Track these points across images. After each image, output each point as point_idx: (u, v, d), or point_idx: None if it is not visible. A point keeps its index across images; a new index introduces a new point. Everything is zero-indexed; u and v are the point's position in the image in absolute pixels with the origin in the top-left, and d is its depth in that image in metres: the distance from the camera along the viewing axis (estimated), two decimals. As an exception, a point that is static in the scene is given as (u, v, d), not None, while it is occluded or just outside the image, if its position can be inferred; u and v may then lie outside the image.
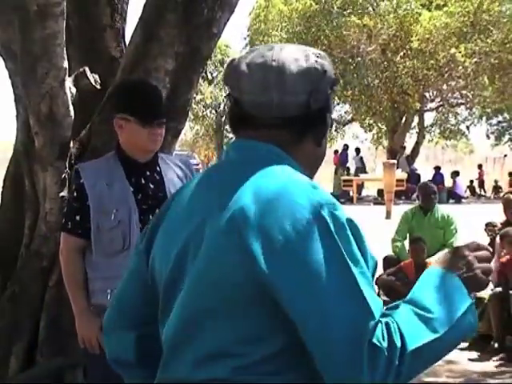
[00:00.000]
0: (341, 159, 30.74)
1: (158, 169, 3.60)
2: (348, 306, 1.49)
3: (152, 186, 3.54)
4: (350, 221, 1.59)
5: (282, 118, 1.68)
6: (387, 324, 1.51)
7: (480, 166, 33.34)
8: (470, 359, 6.85)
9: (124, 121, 3.44)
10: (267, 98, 1.66)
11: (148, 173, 3.56)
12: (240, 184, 1.61)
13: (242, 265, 1.55)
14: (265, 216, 1.55)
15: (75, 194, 3.51)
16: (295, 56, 1.69)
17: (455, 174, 28.22)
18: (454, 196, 26.49)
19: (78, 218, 3.48)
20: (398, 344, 1.49)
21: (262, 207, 1.56)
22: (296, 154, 1.71)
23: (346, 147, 31.55)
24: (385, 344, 1.48)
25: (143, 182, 3.53)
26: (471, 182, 31.52)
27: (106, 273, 3.42)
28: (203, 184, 1.74)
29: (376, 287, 8.21)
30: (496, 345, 6.94)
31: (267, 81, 1.67)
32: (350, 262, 1.52)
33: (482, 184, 32.14)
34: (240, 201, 1.58)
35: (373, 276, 1.62)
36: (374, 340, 1.48)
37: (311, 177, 1.74)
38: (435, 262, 1.69)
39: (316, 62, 1.70)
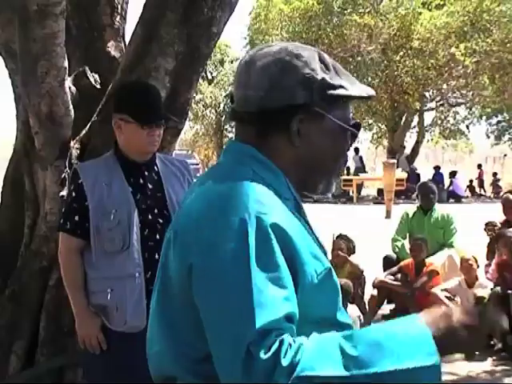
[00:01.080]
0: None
1: (156, 169, 3.61)
2: (231, 315, 1.48)
3: (151, 186, 3.55)
4: (276, 228, 1.54)
5: (248, 113, 1.71)
6: (291, 343, 1.46)
7: (480, 166, 33.36)
8: (469, 358, 6.85)
9: (123, 122, 3.45)
10: (237, 92, 1.74)
11: (146, 173, 3.57)
12: (196, 192, 1.70)
13: (176, 276, 1.63)
14: (187, 232, 1.60)
15: (74, 194, 3.52)
16: (270, 52, 1.72)
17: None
18: (452, 195, 26.51)
19: (76, 218, 3.48)
20: (284, 363, 1.43)
21: (190, 222, 1.61)
22: (271, 155, 1.71)
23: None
24: (264, 356, 1.43)
25: (142, 182, 3.53)
26: (471, 181, 31.55)
27: (106, 273, 3.42)
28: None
29: (376, 291, 8.22)
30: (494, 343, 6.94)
31: (239, 76, 1.75)
32: (254, 275, 1.48)
33: (481, 183, 32.16)
34: (181, 212, 1.71)
35: (325, 281, 1.60)
36: (252, 348, 1.44)
37: (305, 180, 1.73)
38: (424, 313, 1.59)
39: (282, 59, 1.70)
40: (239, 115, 1.74)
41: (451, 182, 27.66)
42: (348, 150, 1.82)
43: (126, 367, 3.35)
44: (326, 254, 1.74)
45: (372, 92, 1.80)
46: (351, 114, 1.80)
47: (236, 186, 1.60)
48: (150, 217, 3.47)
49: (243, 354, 1.44)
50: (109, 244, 3.42)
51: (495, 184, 30.80)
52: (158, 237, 3.43)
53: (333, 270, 1.65)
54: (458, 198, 26.40)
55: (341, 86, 1.71)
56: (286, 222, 1.58)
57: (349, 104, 1.78)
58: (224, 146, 1.82)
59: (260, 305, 1.46)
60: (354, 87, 1.74)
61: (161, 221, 3.48)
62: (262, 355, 1.43)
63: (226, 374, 1.49)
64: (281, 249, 1.52)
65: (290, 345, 1.45)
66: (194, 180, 3.66)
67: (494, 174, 31.92)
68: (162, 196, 3.52)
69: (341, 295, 1.69)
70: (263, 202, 1.57)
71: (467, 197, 28.91)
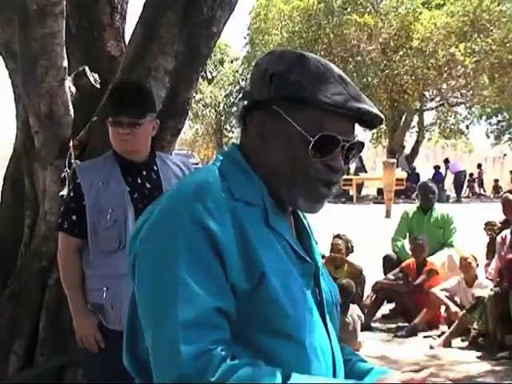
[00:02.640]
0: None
1: (155, 168, 3.62)
2: (159, 310, 1.51)
3: (149, 185, 3.56)
4: (207, 230, 1.51)
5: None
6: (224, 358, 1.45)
7: (480, 166, 33.39)
8: (469, 358, 6.85)
9: (109, 124, 3.51)
10: None
11: (145, 172, 3.58)
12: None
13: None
14: (139, 236, 1.64)
15: (72, 193, 3.54)
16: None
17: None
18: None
19: (74, 217, 3.50)
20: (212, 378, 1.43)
21: (141, 227, 1.65)
22: (246, 155, 1.66)
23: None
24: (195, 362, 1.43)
25: (139, 181, 3.54)
26: (471, 175, 31.63)
27: (102, 271, 3.45)
28: None
29: (373, 293, 8.23)
30: (492, 343, 6.95)
31: None
32: (180, 272, 1.48)
33: (481, 183, 32.20)
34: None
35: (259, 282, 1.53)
36: (181, 348, 1.44)
37: (271, 183, 1.62)
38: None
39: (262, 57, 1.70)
40: None
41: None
42: (309, 161, 1.60)
43: (123, 365, 3.37)
44: (314, 264, 1.68)
45: (365, 110, 1.60)
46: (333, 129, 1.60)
47: (187, 187, 1.59)
48: None
49: (171, 350, 1.45)
50: (105, 243, 3.44)
51: (497, 187, 30.85)
52: None
53: (268, 275, 1.54)
54: (458, 179, 26.56)
55: (303, 88, 1.57)
56: (222, 226, 1.51)
57: (324, 113, 1.58)
58: (224, 146, 1.81)
59: (185, 299, 1.46)
60: (325, 94, 1.57)
61: None
62: (190, 359, 1.43)
63: (156, 368, 1.51)
64: (211, 250, 1.50)
65: (224, 360, 1.44)
66: None
67: (496, 181, 31.95)
68: (160, 195, 3.51)
69: (310, 320, 1.60)
70: (202, 204, 1.52)
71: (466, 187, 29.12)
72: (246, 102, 1.67)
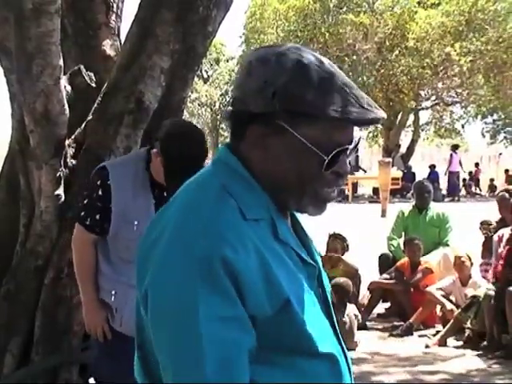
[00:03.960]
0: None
1: None
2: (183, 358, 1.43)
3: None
4: (225, 261, 1.43)
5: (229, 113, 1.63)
6: None
7: (477, 165, 33.47)
8: (464, 357, 6.86)
9: (163, 163, 3.38)
10: None
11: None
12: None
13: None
14: (151, 256, 1.52)
15: (100, 192, 3.50)
16: (254, 52, 1.63)
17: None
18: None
19: (98, 217, 3.50)
20: None
21: (151, 247, 1.53)
22: (245, 164, 1.58)
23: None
24: None
25: (165, 195, 3.53)
26: (470, 173, 31.72)
27: (116, 274, 3.50)
28: None
29: (368, 293, 8.25)
30: (488, 342, 6.95)
31: None
32: (198, 315, 1.41)
33: (477, 182, 32.26)
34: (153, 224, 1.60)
35: (284, 313, 1.48)
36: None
37: (275, 192, 1.57)
38: None
39: (253, 60, 1.58)
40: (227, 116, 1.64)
41: (451, 158, 27.90)
42: (322, 174, 1.55)
43: (123, 363, 3.44)
44: (316, 265, 1.65)
45: (373, 118, 1.55)
46: (344, 139, 1.56)
47: (197, 210, 1.49)
48: None
49: None
50: (125, 252, 3.43)
51: (492, 186, 30.92)
52: None
53: (293, 303, 1.50)
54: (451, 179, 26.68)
55: (308, 103, 1.50)
56: (240, 253, 1.44)
57: (334, 125, 1.53)
58: (220, 145, 1.76)
59: (208, 342, 1.40)
60: (333, 107, 1.50)
61: None
62: None
63: None
64: (229, 280, 1.43)
65: None
66: None
67: (491, 180, 32.03)
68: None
69: (323, 327, 1.58)
70: (226, 239, 1.44)
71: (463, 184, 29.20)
72: (237, 109, 1.57)
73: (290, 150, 1.53)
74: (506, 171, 31.25)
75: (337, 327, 1.67)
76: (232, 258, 1.42)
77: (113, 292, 3.49)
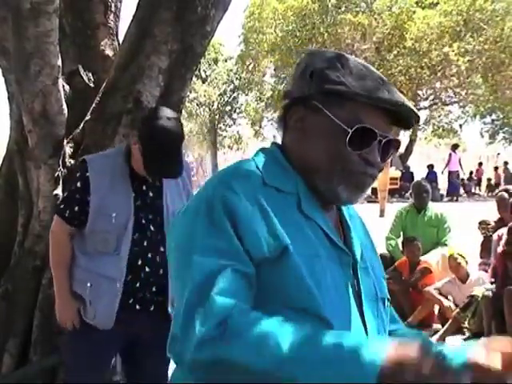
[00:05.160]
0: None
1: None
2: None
3: (151, 193, 3.58)
4: (229, 206, 1.57)
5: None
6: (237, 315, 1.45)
7: (480, 164, 33.60)
8: None
9: (140, 149, 3.43)
10: None
11: (150, 179, 3.59)
12: None
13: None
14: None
15: (79, 184, 3.53)
16: None
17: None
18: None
19: (76, 209, 3.52)
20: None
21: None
22: (285, 151, 1.75)
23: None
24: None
25: (144, 188, 3.56)
26: (471, 173, 31.79)
27: (91, 266, 3.50)
28: None
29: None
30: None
31: None
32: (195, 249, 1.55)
33: (479, 182, 32.38)
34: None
35: (280, 256, 1.55)
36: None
37: (312, 178, 1.68)
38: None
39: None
40: None
41: (450, 157, 27.91)
42: (348, 152, 1.64)
43: (93, 356, 3.52)
44: (351, 255, 1.70)
45: (394, 99, 1.65)
46: (367, 119, 1.64)
47: (222, 171, 1.67)
48: (143, 221, 3.51)
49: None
50: (101, 244, 3.46)
51: (490, 186, 31.00)
52: (145, 244, 3.48)
53: (291, 250, 1.56)
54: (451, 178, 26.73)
55: (340, 83, 1.63)
56: (242, 199, 1.58)
57: (359, 106, 1.63)
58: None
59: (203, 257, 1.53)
60: (361, 87, 1.62)
61: (152, 228, 3.52)
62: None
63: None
64: (227, 218, 1.56)
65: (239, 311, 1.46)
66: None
67: (489, 180, 32.12)
68: (160, 205, 3.55)
69: (331, 292, 1.58)
70: (230, 186, 1.60)
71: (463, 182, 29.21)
72: (285, 101, 1.73)
73: (322, 129, 1.66)
74: (505, 163, 31.43)
75: (369, 319, 1.68)
76: (231, 199, 1.57)
77: (88, 284, 3.48)
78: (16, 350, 4.65)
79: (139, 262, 3.44)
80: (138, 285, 3.46)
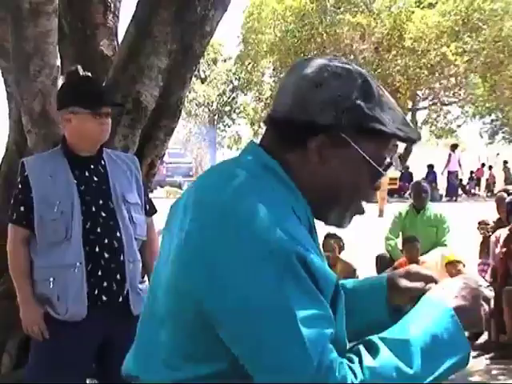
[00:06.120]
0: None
1: (102, 162, 3.68)
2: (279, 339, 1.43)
3: (96, 178, 3.62)
4: (306, 260, 1.47)
5: (276, 120, 1.65)
6: (349, 364, 1.45)
7: (483, 165, 33.62)
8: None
9: (72, 114, 3.52)
10: (275, 97, 1.72)
11: (92, 166, 3.64)
12: (210, 199, 1.56)
13: (185, 287, 1.52)
14: (211, 244, 1.49)
15: (20, 186, 3.59)
16: (312, 63, 1.67)
17: (454, 146, 28.60)
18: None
19: (22, 208, 3.56)
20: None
21: (212, 234, 1.50)
22: (289, 170, 1.62)
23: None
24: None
25: (87, 174, 3.61)
26: (471, 173, 31.81)
27: (48, 262, 3.51)
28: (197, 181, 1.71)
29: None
30: (486, 342, 6.96)
31: (281, 81, 1.74)
32: (292, 306, 1.43)
33: (478, 182, 32.42)
34: (197, 219, 1.55)
35: (334, 298, 1.54)
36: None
37: (315, 205, 1.63)
38: (438, 289, 1.64)
39: (319, 72, 1.62)
40: (269, 120, 1.67)
41: (449, 157, 27.95)
42: (372, 188, 1.68)
43: (69, 355, 3.47)
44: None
45: (418, 137, 1.67)
46: (387, 154, 1.65)
47: (261, 209, 1.49)
48: (93, 209, 3.55)
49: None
50: (52, 234, 3.49)
51: (489, 186, 31.04)
52: (99, 230, 3.51)
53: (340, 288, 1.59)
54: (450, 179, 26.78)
55: (376, 119, 1.58)
56: (310, 248, 1.51)
57: (386, 142, 1.64)
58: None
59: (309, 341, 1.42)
60: (394, 125, 1.61)
61: (103, 214, 3.55)
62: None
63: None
64: (310, 279, 1.47)
65: (349, 366, 1.45)
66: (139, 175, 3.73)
67: (487, 180, 32.18)
68: (107, 189, 3.58)
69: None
70: (291, 232, 1.48)
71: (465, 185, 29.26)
72: (297, 118, 1.59)
73: (348, 163, 1.60)
74: (505, 162, 31.47)
75: None
76: (310, 256, 1.48)
77: (50, 279, 3.49)
78: (15, 350, 4.64)
79: (97, 249, 3.46)
80: (100, 273, 3.47)
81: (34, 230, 3.53)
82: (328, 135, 1.58)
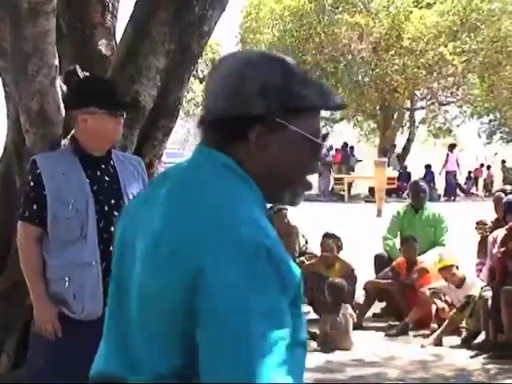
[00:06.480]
0: (344, 157, 30.33)
1: (111, 163, 3.70)
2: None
3: (107, 178, 3.65)
4: (272, 252, 1.50)
5: (211, 121, 1.68)
6: None
7: (482, 165, 33.62)
8: (460, 357, 6.87)
9: (88, 115, 3.54)
10: (205, 100, 1.77)
11: (103, 166, 3.67)
12: (178, 200, 1.60)
13: (163, 290, 1.54)
14: (184, 249, 1.51)
15: (32, 183, 3.58)
16: (232, 60, 1.69)
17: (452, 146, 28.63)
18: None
19: (34, 207, 3.55)
20: None
21: (185, 239, 1.53)
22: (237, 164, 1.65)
23: (345, 145, 31.24)
24: None
25: (99, 174, 3.64)
26: (469, 172, 31.84)
27: (63, 261, 3.51)
28: (154, 187, 1.73)
29: (364, 293, 8.24)
30: (483, 342, 6.96)
31: (206, 84, 1.78)
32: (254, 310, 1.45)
33: (476, 181, 32.42)
34: (168, 218, 1.58)
35: (297, 295, 1.56)
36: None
37: (269, 191, 1.66)
38: None
39: (241, 67, 1.65)
40: (204, 122, 1.69)
41: (447, 157, 27.97)
42: (316, 161, 1.72)
43: (83, 355, 3.42)
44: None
45: (343, 102, 1.78)
46: (321, 125, 1.71)
47: (227, 205, 1.55)
48: (106, 208, 3.56)
49: None
50: (66, 233, 3.49)
51: (487, 186, 31.08)
52: (112, 229, 3.50)
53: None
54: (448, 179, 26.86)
55: (303, 97, 1.63)
56: (275, 239, 1.54)
57: (317, 115, 1.70)
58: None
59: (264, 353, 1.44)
60: (322, 98, 1.66)
61: (116, 213, 3.55)
62: None
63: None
64: (277, 273, 1.50)
65: None
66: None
67: (485, 180, 32.22)
68: (118, 188, 3.61)
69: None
70: (259, 225, 1.53)
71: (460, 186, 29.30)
72: (233, 114, 1.62)
73: (289, 144, 1.65)
74: (503, 162, 31.54)
75: None
76: (274, 249, 1.51)
77: (66, 278, 3.48)
78: (14, 350, 4.65)
79: (111, 248, 3.41)
80: None
81: (47, 228, 3.52)
82: (264, 123, 1.61)
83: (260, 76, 1.62)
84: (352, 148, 31.59)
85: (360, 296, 8.30)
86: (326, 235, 8.38)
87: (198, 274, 1.48)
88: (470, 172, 32.26)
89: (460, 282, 7.56)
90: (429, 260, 8.32)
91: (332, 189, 28.13)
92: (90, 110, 3.54)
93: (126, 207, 1.86)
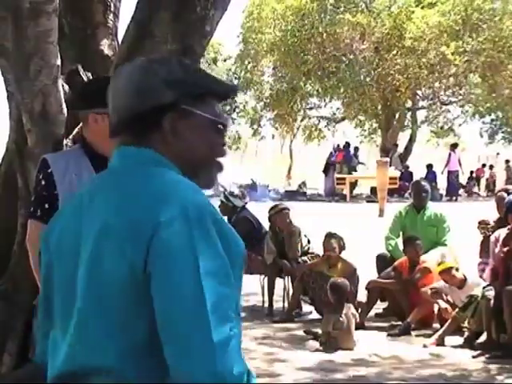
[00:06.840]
0: (346, 157, 30.26)
1: None
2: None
3: None
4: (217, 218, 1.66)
5: (123, 122, 1.81)
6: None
7: (484, 165, 33.58)
8: (462, 356, 6.86)
9: (100, 115, 3.49)
10: (110, 107, 1.87)
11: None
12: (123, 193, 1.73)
13: (119, 269, 1.63)
14: (137, 229, 1.62)
15: (43, 182, 3.57)
16: (132, 64, 1.87)
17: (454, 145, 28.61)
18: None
19: (46, 205, 3.54)
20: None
21: (132, 221, 1.64)
22: (158, 148, 1.78)
23: (347, 145, 31.18)
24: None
25: None
26: (471, 172, 31.83)
27: None
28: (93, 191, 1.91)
29: (366, 292, 8.23)
30: (486, 342, 6.95)
31: (109, 92, 1.89)
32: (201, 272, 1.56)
33: (478, 181, 32.40)
34: (117, 206, 1.70)
35: (238, 265, 1.67)
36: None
37: (189, 173, 1.78)
38: None
39: (142, 65, 1.83)
40: (116, 127, 1.82)
41: (449, 157, 27.95)
42: (223, 143, 1.87)
43: None
44: None
45: (235, 86, 2.03)
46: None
47: (171, 181, 1.70)
48: None
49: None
50: None
51: (489, 185, 31.06)
52: None
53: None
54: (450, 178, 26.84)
55: (204, 84, 1.82)
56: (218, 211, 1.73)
57: (217, 100, 1.86)
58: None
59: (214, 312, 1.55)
60: (218, 84, 1.86)
61: None
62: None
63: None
64: (224, 237, 1.65)
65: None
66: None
67: (487, 180, 32.21)
68: None
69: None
70: (204, 194, 1.71)
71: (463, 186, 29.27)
72: (146, 107, 1.75)
73: (198, 128, 1.80)
74: (507, 161, 31.52)
75: None
76: (218, 214, 1.68)
77: None
78: (16, 350, 4.64)
79: None
80: None
81: None
82: (173, 112, 1.76)
83: (163, 70, 1.78)
84: (357, 149, 31.53)
85: (362, 296, 8.29)
86: (329, 235, 8.38)
87: (150, 239, 1.59)
88: (471, 172, 32.25)
89: (461, 284, 7.55)
90: (431, 260, 8.31)
91: (334, 188, 28.12)
92: (102, 111, 3.51)
93: (60, 211, 2.03)
